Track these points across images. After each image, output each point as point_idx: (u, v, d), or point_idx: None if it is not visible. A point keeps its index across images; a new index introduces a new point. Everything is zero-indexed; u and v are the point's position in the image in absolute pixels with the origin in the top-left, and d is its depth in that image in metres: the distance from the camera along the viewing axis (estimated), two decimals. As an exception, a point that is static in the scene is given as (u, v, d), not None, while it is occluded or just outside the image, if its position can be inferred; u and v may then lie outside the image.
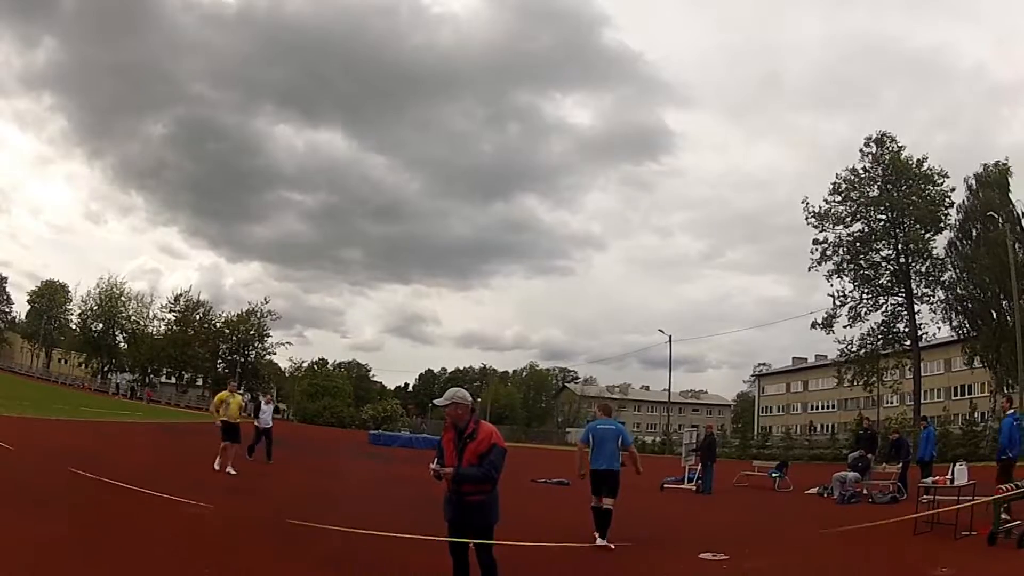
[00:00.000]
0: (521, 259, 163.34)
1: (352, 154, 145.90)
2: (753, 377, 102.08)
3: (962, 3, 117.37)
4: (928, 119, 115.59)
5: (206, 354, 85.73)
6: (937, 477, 11.98)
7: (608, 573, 7.89)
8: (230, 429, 15.19)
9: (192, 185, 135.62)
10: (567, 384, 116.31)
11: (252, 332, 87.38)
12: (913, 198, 42.82)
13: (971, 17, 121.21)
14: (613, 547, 9.08)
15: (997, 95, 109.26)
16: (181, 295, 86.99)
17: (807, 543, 9.95)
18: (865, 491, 16.89)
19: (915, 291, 43.30)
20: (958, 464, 11.30)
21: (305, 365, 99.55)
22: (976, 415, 41.19)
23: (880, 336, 44.35)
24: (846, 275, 45.06)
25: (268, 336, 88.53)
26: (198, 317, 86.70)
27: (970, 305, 40.74)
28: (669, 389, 71.47)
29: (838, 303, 44.94)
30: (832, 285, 45.32)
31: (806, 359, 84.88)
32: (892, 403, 56.53)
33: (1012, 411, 13.57)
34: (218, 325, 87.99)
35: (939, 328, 44.37)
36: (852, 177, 45.33)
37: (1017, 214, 38.66)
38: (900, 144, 44.55)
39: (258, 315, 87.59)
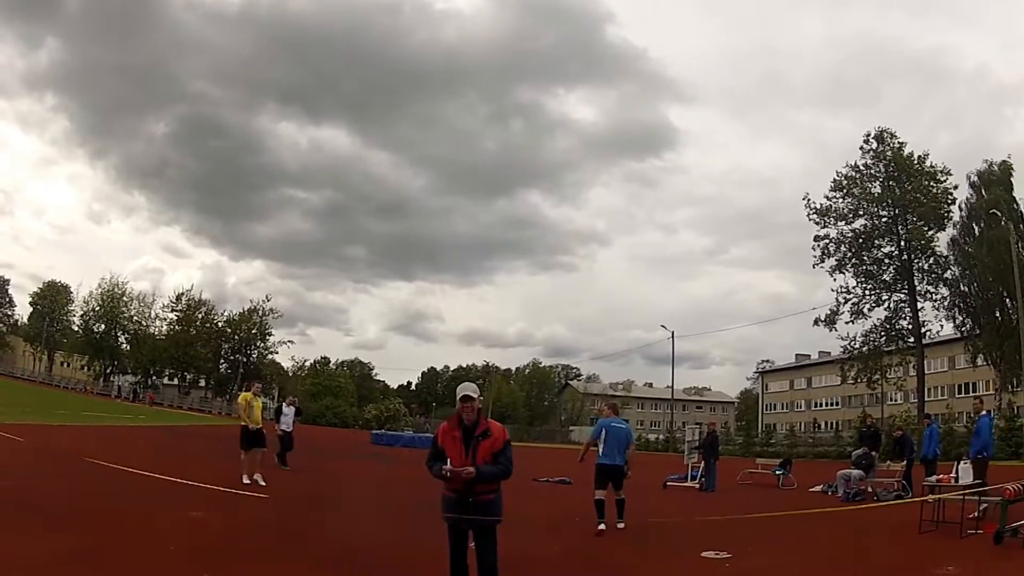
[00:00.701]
0: (525, 256, 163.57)
1: (355, 151, 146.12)
2: (757, 374, 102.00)
3: (965, 4, 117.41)
4: (931, 119, 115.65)
5: (208, 354, 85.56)
6: (941, 475, 11.92)
7: (611, 571, 7.83)
8: (255, 434, 14.10)
9: (195, 184, 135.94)
10: (570, 382, 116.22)
11: (254, 331, 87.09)
12: (916, 195, 42.73)
13: (974, 18, 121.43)
14: (623, 526, 10.14)
15: (1000, 96, 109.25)
16: (183, 294, 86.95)
17: (811, 542, 9.87)
18: (870, 489, 16.81)
19: (918, 288, 43.26)
20: (962, 462, 11.23)
21: (308, 364, 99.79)
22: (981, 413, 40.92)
23: (883, 333, 44.28)
24: (849, 271, 45.06)
25: (270, 335, 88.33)
26: (200, 316, 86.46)
27: (973, 303, 40.68)
28: (672, 386, 71.48)
29: (841, 299, 44.94)
30: (835, 281, 45.34)
31: (809, 356, 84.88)
32: (896, 401, 56.49)
33: (985, 412, 14.19)
34: (220, 324, 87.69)
35: (942, 326, 44.38)
36: (853, 173, 45.28)
37: (1020, 212, 38.61)
38: (900, 140, 44.55)
39: (260, 314, 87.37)
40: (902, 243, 43.63)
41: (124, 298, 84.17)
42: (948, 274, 42.51)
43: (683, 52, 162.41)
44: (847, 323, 44.87)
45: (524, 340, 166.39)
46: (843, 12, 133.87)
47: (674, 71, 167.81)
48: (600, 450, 10.59)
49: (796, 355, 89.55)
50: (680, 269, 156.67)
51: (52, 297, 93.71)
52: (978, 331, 40.96)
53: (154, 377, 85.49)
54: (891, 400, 56.85)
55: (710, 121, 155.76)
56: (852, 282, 44.89)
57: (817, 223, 45.66)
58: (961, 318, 42.11)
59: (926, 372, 45.30)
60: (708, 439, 20.59)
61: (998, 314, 39.26)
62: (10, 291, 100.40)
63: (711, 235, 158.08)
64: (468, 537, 5.41)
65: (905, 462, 17.38)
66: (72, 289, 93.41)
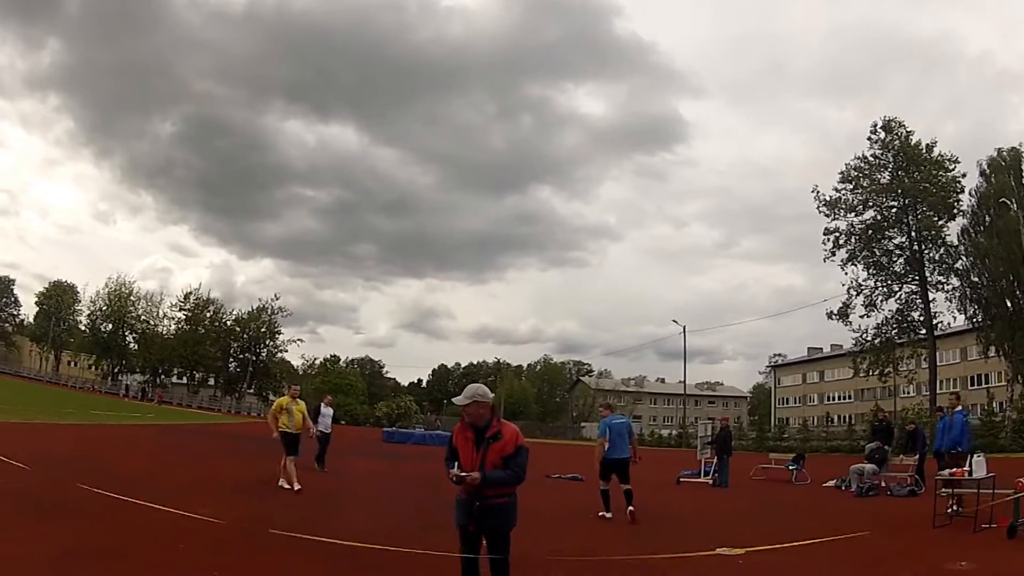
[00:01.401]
0: (535, 251, 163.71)
1: (363, 149, 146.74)
2: (769, 368, 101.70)
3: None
4: (936, 107, 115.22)
5: (217, 353, 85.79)
6: (955, 469, 11.88)
7: (625, 568, 7.84)
8: (294, 440, 13.30)
9: (202, 183, 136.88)
10: (581, 378, 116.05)
11: (263, 330, 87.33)
12: (925, 184, 42.51)
13: (975, 3, 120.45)
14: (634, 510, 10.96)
15: (1004, 82, 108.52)
16: (191, 293, 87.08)
17: (824, 537, 9.87)
18: (883, 483, 16.78)
19: (929, 279, 43.01)
20: (976, 456, 11.18)
21: (318, 362, 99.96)
22: (994, 405, 40.71)
23: (895, 325, 44.09)
24: (859, 263, 44.88)
25: (279, 333, 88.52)
26: (208, 315, 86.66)
27: (984, 293, 40.44)
28: (684, 381, 71.25)
29: (852, 292, 44.78)
30: (846, 273, 45.17)
31: (821, 349, 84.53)
32: (908, 393, 56.22)
33: (959, 409, 14.48)
34: (229, 323, 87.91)
35: (954, 317, 44.12)
36: (862, 164, 45.08)
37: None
38: (908, 129, 44.32)
39: (269, 312, 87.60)
40: (912, 233, 43.42)
41: (131, 297, 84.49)
42: (959, 264, 42.30)
43: (691, 44, 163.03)
44: (861, 317, 44.77)
45: (535, 336, 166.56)
46: (844, 2, 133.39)
47: (682, 63, 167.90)
48: (607, 446, 11.59)
49: (808, 348, 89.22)
50: (691, 263, 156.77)
51: (58, 297, 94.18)
52: (989, 322, 40.73)
53: (163, 376, 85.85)
54: (903, 393, 56.59)
55: (720, 114, 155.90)
56: (863, 274, 44.77)
57: (827, 216, 45.57)
58: (972, 309, 41.89)
59: (938, 364, 45.04)
60: (721, 434, 20.56)
61: (1009, 304, 39.07)
62: (15, 291, 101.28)
63: (722, 228, 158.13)
64: (479, 540, 5.17)
65: (917, 456, 17.35)
66: (79, 289, 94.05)
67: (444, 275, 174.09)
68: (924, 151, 43.41)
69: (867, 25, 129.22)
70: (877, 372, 45.28)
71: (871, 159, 44.90)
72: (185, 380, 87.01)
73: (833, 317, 45.58)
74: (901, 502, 14.79)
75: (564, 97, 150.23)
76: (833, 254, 45.25)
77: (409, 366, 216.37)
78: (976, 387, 58.71)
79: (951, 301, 42.59)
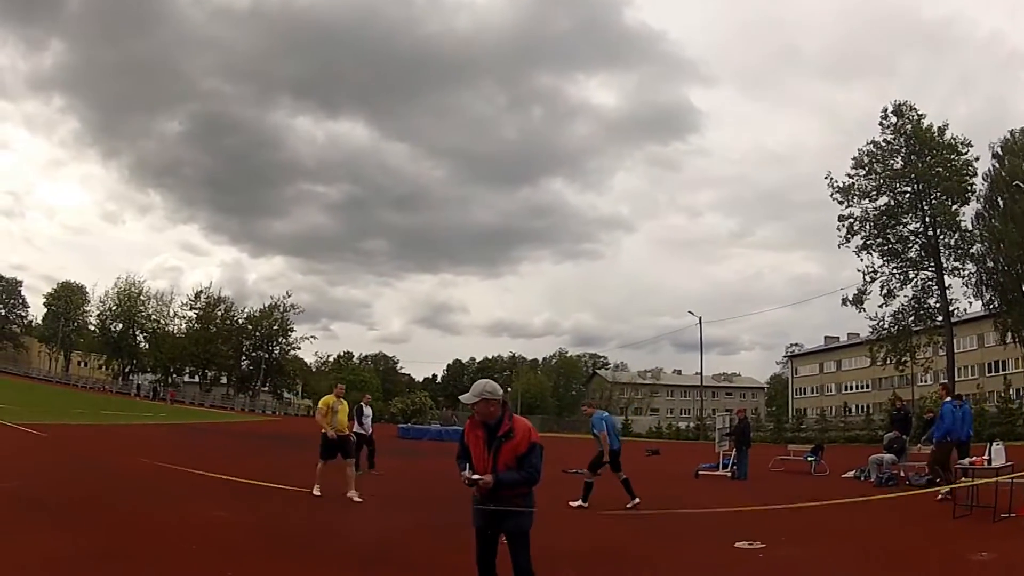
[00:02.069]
0: (549, 244, 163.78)
1: (373, 144, 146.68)
2: (786, 358, 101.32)
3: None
4: (946, 89, 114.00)
5: (229, 351, 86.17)
6: (974, 458, 11.84)
7: (643, 564, 7.87)
8: (339, 442, 12.49)
9: (211, 181, 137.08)
10: (598, 371, 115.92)
11: (275, 327, 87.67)
12: (938, 168, 42.14)
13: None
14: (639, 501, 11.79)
15: (1014, 62, 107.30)
16: (202, 292, 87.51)
17: (844, 529, 9.86)
18: (902, 473, 16.70)
19: (945, 264, 42.69)
20: (995, 444, 11.13)
21: (331, 359, 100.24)
22: (1011, 392, 40.36)
23: (912, 312, 43.79)
24: (875, 250, 44.59)
25: (292, 331, 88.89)
26: (220, 314, 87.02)
27: (1000, 278, 40.09)
28: (701, 373, 70.95)
29: (868, 279, 44.51)
30: (862, 260, 44.90)
31: (838, 338, 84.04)
32: (926, 382, 55.84)
33: (949, 399, 14.43)
34: (240, 321, 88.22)
35: (971, 303, 43.80)
36: (874, 150, 44.76)
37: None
38: (920, 113, 43.99)
39: (281, 309, 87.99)
40: (927, 219, 43.11)
41: (141, 297, 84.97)
42: (974, 249, 41.95)
43: (701, 32, 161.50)
44: (879, 307, 44.51)
45: (551, 330, 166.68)
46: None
47: (692, 52, 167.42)
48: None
49: (825, 337, 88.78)
50: (706, 252, 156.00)
51: (67, 297, 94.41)
52: (1006, 307, 40.38)
53: (174, 375, 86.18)
54: (921, 381, 56.23)
55: (732, 101, 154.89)
56: (878, 261, 44.49)
57: (840, 202, 45.32)
58: (989, 294, 41.55)
59: (955, 351, 44.71)
60: (739, 426, 20.49)
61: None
62: (23, 292, 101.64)
63: (736, 217, 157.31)
64: (496, 540, 5.04)
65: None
66: (87, 289, 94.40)
67: (457, 269, 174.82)
68: (936, 134, 43.07)
69: (876, 7, 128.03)
70: (894, 361, 44.99)
71: (883, 144, 44.63)
72: (197, 379, 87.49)
73: (848, 303, 45.37)
74: (921, 492, 14.71)
75: (575, 88, 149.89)
76: (847, 240, 45.06)
77: (423, 361, 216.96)
78: (993, 374, 58.29)
79: (967, 287, 42.33)
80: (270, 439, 31.83)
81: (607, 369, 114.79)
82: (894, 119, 44.23)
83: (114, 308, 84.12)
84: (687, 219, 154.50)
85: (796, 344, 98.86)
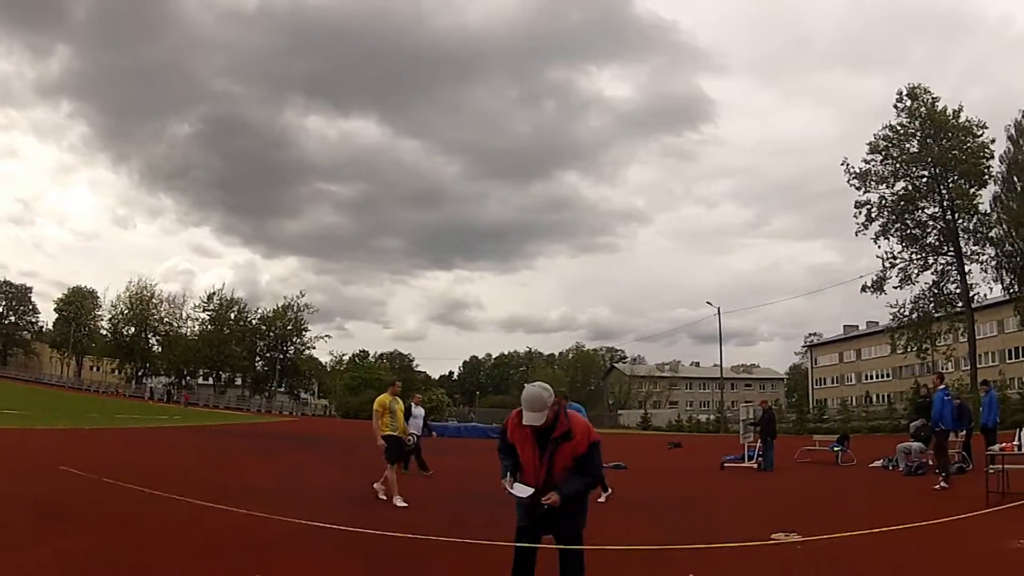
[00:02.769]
0: (564, 238, 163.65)
1: (386, 141, 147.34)
2: (805, 348, 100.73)
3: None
4: (959, 73, 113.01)
5: (243, 352, 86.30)
6: (1004, 444, 11.75)
7: (681, 558, 7.81)
8: (397, 445, 11.72)
9: (222, 183, 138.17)
10: (615, 365, 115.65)
11: (289, 327, 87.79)
12: (954, 152, 41.75)
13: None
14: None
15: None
16: (214, 294, 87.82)
17: (879, 520, 9.79)
18: (930, 461, 16.60)
19: (964, 249, 42.29)
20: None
21: (346, 358, 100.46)
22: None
23: (932, 299, 43.41)
24: (893, 236, 44.21)
25: (306, 330, 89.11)
26: (233, 315, 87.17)
27: (1020, 262, 39.69)
28: (720, 365, 70.53)
29: (887, 265, 44.12)
30: (880, 247, 44.53)
31: (857, 327, 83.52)
32: (947, 369, 55.37)
33: (942, 387, 14.69)
34: (254, 322, 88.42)
35: (991, 288, 43.32)
36: (891, 134, 44.37)
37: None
38: (934, 96, 43.57)
39: (295, 309, 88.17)
40: (945, 203, 42.71)
41: (153, 300, 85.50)
42: (993, 233, 41.53)
43: (712, 21, 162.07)
44: (896, 288, 44.09)
45: (567, 324, 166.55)
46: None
47: (704, 41, 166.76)
48: None
49: (844, 326, 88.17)
50: (722, 243, 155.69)
51: (78, 303, 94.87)
52: (1026, 292, 40.01)
53: (188, 377, 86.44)
54: (942, 369, 55.72)
55: (745, 90, 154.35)
56: (897, 247, 44.12)
57: (857, 188, 44.95)
58: (1009, 279, 41.14)
59: (976, 338, 44.29)
60: (764, 417, 20.44)
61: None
62: (33, 298, 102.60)
63: (752, 206, 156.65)
64: (539, 538, 4.73)
65: (964, 432, 17.12)
66: (99, 294, 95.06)
67: (472, 265, 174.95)
68: (951, 117, 42.67)
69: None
70: (915, 348, 44.62)
71: (899, 128, 44.21)
72: (211, 381, 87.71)
73: (868, 290, 45.00)
74: (951, 479, 14.64)
75: (587, 80, 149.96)
76: (865, 227, 44.67)
77: (440, 358, 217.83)
78: (1015, 360, 57.74)
79: (986, 272, 41.91)
80: (284, 439, 31.60)
81: (625, 363, 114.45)
82: (909, 102, 43.79)
83: (126, 312, 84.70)
84: (703, 210, 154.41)
85: (815, 334, 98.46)
